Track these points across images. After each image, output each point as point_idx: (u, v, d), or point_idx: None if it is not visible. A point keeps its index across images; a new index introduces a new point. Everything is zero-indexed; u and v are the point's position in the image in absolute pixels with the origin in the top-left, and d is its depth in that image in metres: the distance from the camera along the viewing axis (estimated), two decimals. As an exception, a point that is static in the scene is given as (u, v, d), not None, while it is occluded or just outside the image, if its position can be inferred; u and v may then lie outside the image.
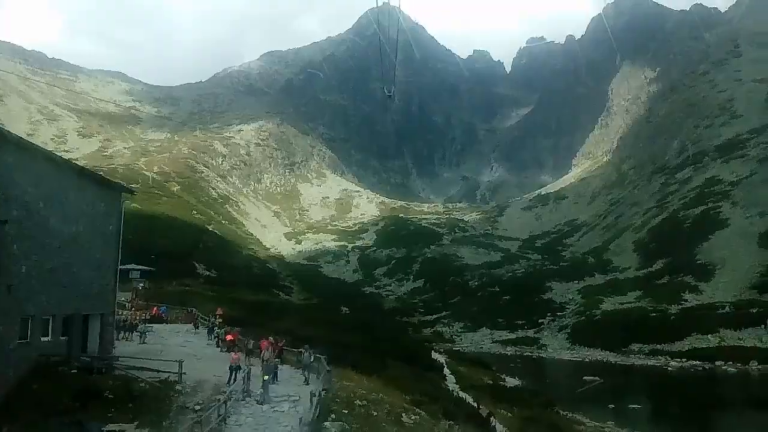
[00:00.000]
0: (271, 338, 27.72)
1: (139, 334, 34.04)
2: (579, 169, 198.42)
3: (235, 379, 21.45)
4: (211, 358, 28.38)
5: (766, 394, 46.58)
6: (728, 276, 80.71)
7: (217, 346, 32.88)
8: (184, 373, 21.14)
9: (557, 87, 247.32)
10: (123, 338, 33.82)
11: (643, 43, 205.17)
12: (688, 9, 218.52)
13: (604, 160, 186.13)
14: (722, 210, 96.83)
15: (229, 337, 31.45)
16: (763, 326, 63.11)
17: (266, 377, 20.22)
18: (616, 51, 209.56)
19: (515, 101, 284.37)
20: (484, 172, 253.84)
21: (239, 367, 22.04)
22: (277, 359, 24.33)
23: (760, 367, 55.19)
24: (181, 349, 30.76)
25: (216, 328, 36.05)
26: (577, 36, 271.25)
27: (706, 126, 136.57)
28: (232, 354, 23.63)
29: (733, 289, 76.87)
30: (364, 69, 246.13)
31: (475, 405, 30.11)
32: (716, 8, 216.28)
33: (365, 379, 26.46)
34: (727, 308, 70.49)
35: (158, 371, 21.09)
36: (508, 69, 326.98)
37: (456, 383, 40.48)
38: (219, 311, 41.62)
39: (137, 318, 39.58)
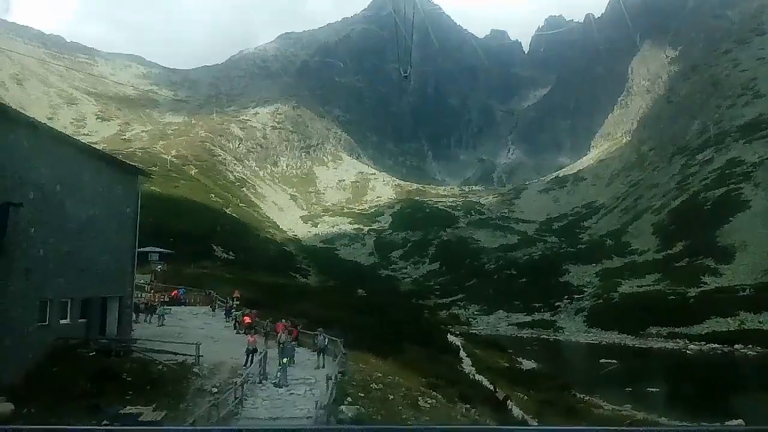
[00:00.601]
0: (283, 321, 27.79)
1: (157, 316, 34.41)
2: (598, 150, 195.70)
3: (251, 362, 21.56)
4: (229, 340, 28.57)
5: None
6: (749, 258, 79.41)
7: (234, 329, 33.14)
8: (202, 356, 21.29)
9: (576, 67, 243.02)
10: (143, 321, 34.22)
11: (664, 22, 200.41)
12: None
13: (624, 141, 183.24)
14: (744, 191, 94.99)
15: (246, 320, 31.65)
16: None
17: (284, 360, 20.28)
18: (636, 29, 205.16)
19: (533, 82, 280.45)
20: (501, 155, 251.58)
21: (256, 350, 22.14)
22: (293, 341, 24.41)
23: (780, 350, 54.42)
24: (199, 331, 31.04)
25: (233, 310, 36.31)
26: (597, 15, 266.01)
27: (729, 106, 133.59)
28: (249, 337, 23.74)
29: (754, 271, 75.61)
30: (379, 50, 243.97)
31: (492, 388, 30.05)
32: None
33: (381, 362, 26.49)
34: (747, 291, 69.49)
35: (176, 354, 21.25)
36: (525, 49, 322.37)
37: (472, 366, 40.42)
38: (236, 293, 41.90)
39: (156, 300, 40.00)
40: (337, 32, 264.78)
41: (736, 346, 57.64)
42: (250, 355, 21.89)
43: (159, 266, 50.08)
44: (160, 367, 19.95)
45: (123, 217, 26.45)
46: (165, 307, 36.70)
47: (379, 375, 22.07)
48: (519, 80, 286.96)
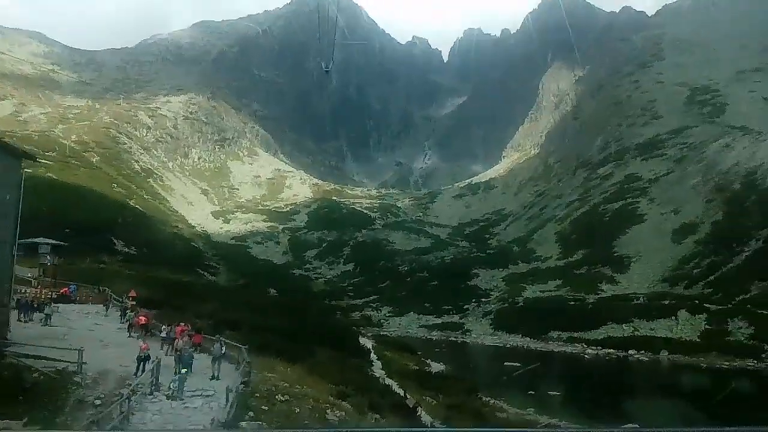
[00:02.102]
0: (182, 324, 25.82)
1: (43, 316, 31.17)
2: (508, 160, 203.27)
3: (143, 371, 19.60)
4: (120, 344, 26.09)
5: (674, 382, 49.14)
6: (643, 268, 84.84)
7: (128, 332, 30.60)
8: (85, 363, 18.99)
9: (492, 79, 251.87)
10: (24, 320, 30.91)
11: (574, 42, 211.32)
12: (617, 11, 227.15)
13: (532, 153, 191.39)
14: (640, 205, 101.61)
15: (140, 320, 29.27)
16: (673, 317, 66.36)
17: (183, 370, 18.55)
18: (547, 47, 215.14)
19: (452, 90, 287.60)
20: (418, 159, 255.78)
21: (149, 357, 20.11)
22: (192, 348, 22.62)
23: (669, 356, 58.07)
24: (88, 333, 28.40)
25: (128, 310, 33.61)
26: (513, 31, 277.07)
27: (629, 125, 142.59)
28: (141, 342, 21.66)
29: (647, 281, 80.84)
30: (301, 46, 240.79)
31: (402, 393, 29.66)
32: (644, 12, 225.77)
33: (289, 369, 25.28)
34: (641, 299, 73.80)
35: (56, 360, 18.96)
36: (445, 58, 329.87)
37: (382, 369, 40.04)
38: (132, 293, 38.76)
39: (43, 297, 36.44)
40: (258, 24, 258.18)
41: (629, 351, 60.92)
42: (142, 363, 19.86)
43: (48, 259, 45.73)
44: (35, 374, 17.69)
45: (2, 205, 23.58)
46: (53, 305, 33.37)
47: (286, 384, 20.88)
48: (438, 88, 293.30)
